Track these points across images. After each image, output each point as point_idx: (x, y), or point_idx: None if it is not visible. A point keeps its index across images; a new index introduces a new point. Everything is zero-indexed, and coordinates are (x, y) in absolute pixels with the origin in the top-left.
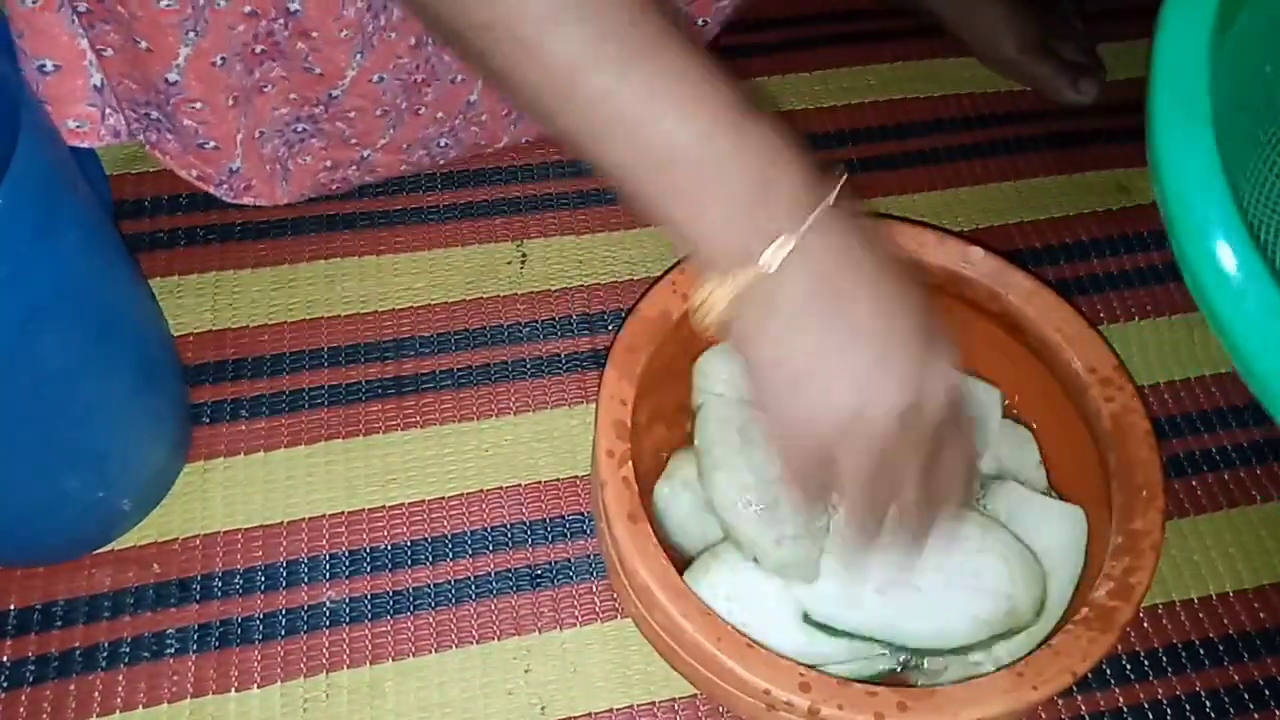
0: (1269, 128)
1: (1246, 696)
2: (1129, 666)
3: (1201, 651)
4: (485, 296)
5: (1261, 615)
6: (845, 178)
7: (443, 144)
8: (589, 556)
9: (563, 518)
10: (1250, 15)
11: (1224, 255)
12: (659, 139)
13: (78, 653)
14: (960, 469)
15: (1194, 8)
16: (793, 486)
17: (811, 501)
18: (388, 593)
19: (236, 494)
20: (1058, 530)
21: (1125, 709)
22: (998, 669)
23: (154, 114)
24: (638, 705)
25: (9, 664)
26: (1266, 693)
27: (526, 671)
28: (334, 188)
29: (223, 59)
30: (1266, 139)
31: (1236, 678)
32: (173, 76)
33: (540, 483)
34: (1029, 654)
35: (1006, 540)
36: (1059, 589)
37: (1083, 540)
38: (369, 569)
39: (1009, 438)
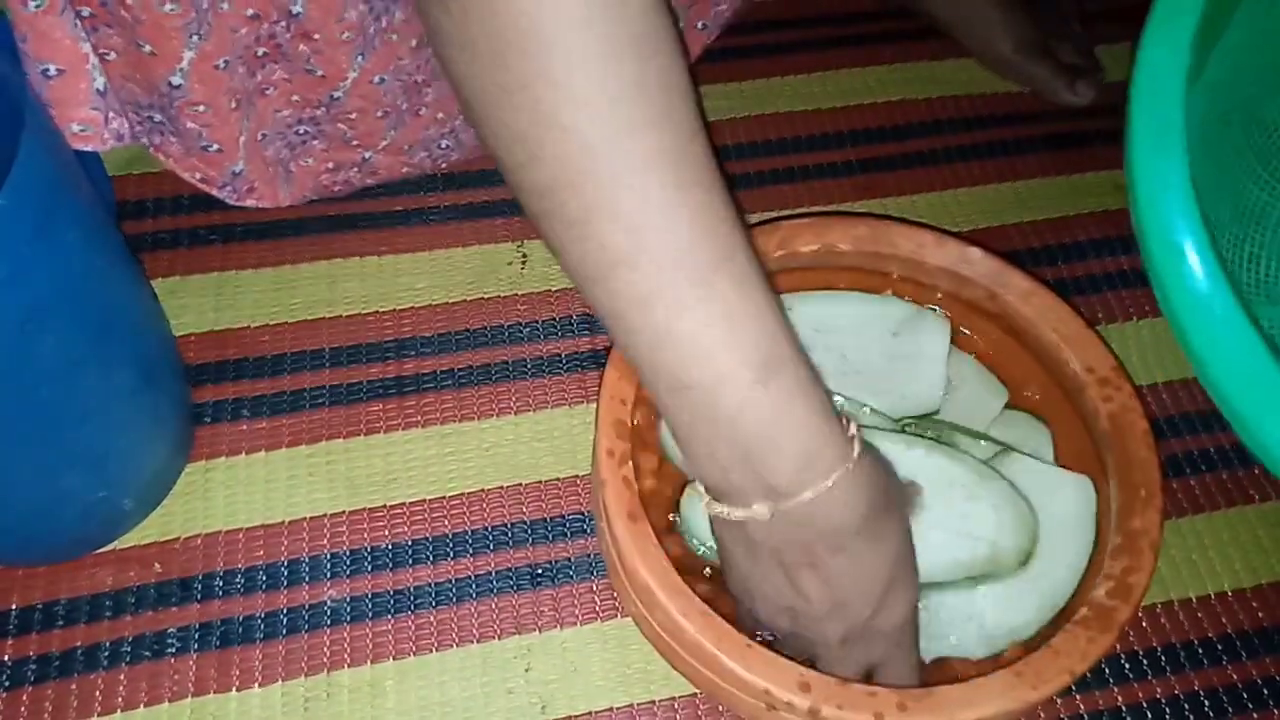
0: (1252, 138)
1: (1246, 696)
2: (1128, 666)
3: (1201, 651)
4: (486, 297)
5: (1261, 615)
6: (858, 436)
7: (444, 145)
8: (589, 556)
9: (563, 517)
10: (1234, 31)
11: (1191, 273)
12: (674, 365)
13: (79, 652)
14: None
15: (1174, 28)
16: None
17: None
18: (388, 592)
19: (238, 493)
20: (1069, 498)
21: (1124, 709)
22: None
23: (157, 117)
24: (638, 705)
25: (10, 663)
26: (1266, 693)
27: (527, 671)
28: (336, 189)
29: (225, 62)
30: (1249, 149)
31: (1236, 678)
32: (176, 79)
33: (540, 482)
34: (1017, 608)
35: (1002, 490)
36: (1075, 556)
37: (1093, 508)
38: (370, 568)
39: (1021, 426)
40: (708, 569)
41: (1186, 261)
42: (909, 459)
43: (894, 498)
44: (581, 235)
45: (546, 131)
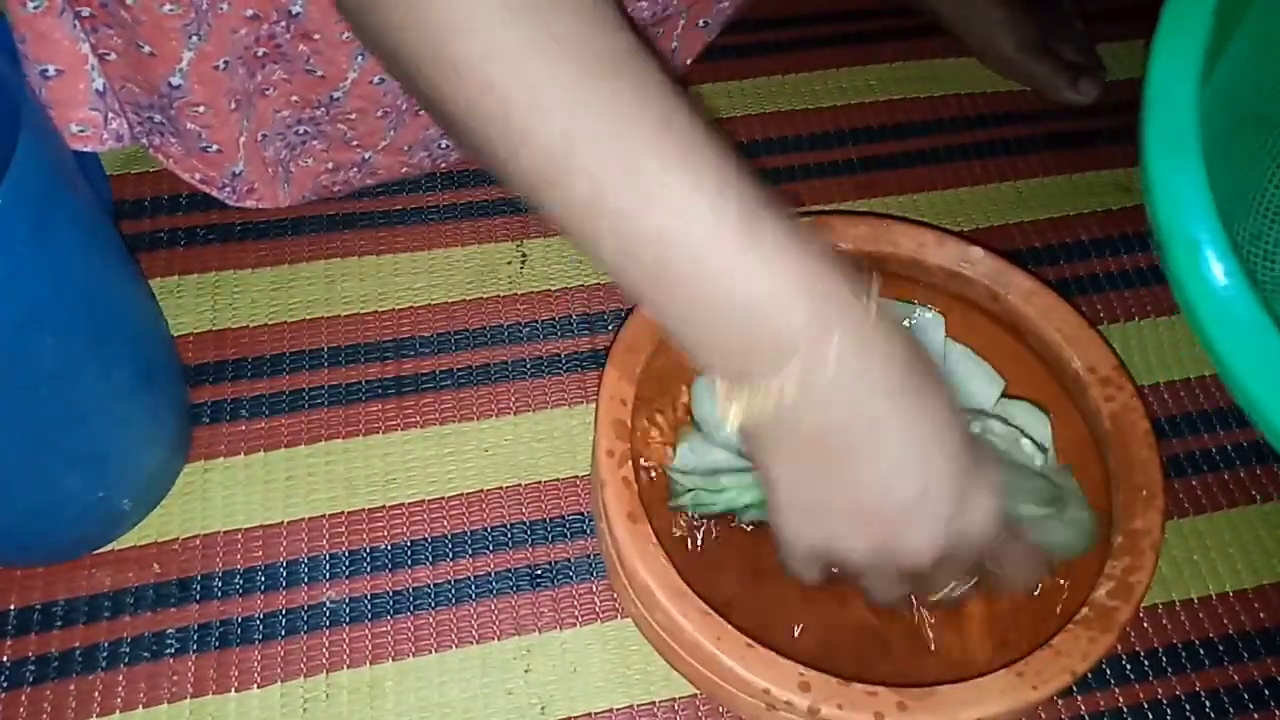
0: (1266, 141)
1: (1246, 696)
2: (1129, 666)
3: (1201, 651)
4: (485, 296)
5: (1261, 615)
6: (877, 284)
7: (443, 145)
8: (589, 556)
9: (563, 518)
10: (1245, 33)
11: (1212, 275)
12: (650, 234)
13: (78, 653)
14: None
15: (1186, 31)
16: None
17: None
18: (388, 593)
19: (236, 494)
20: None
21: (1125, 709)
22: None
23: (157, 117)
24: (638, 705)
25: (9, 664)
26: (1266, 693)
27: (526, 671)
28: (335, 190)
29: (225, 62)
30: (1266, 151)
31: (1236, 678)
32: (175, 80)
33: (540, 483)
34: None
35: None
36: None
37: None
38: (369, 569)
39: (1021, 414)
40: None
41: (1207, 263)
42: None
43: (930, 362)
44: (521, 143)
45: (456, 43)
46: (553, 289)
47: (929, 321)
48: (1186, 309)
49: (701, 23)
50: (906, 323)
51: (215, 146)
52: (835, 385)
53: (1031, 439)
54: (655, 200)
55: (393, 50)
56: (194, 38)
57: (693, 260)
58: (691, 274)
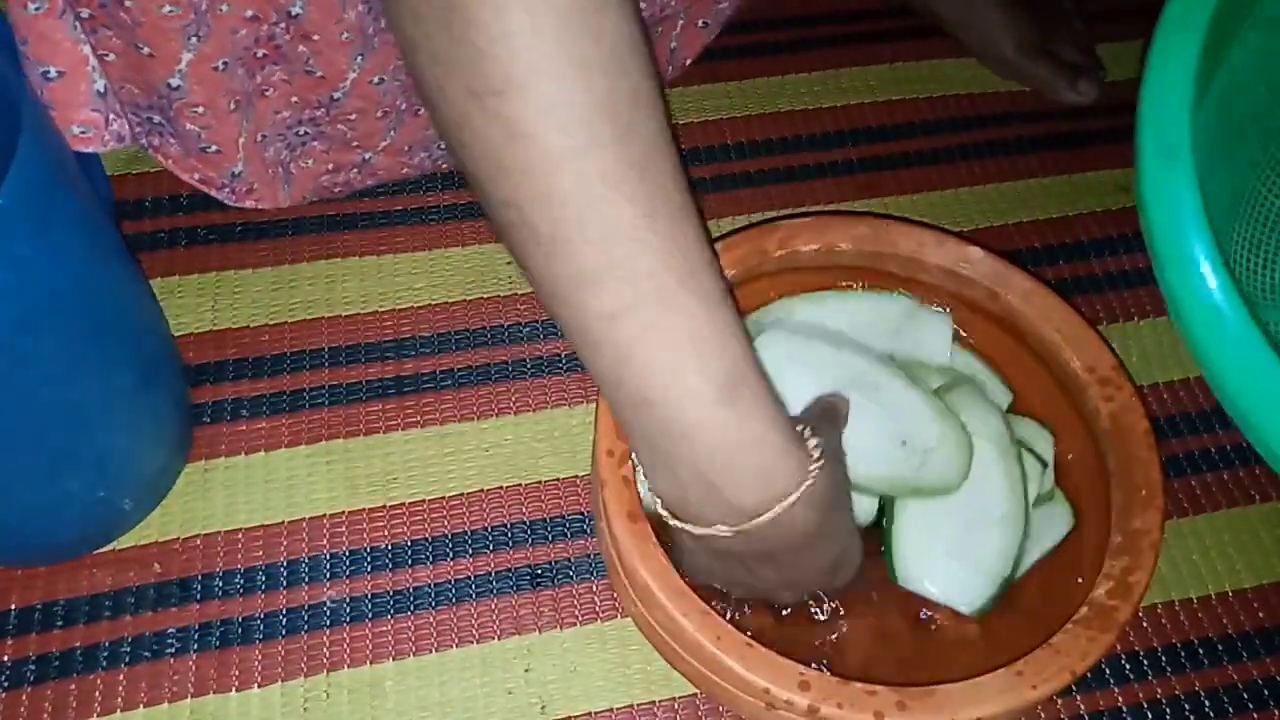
0: (1269, 150)
1: (1246, 696)
2: (1128, 666)
3: (1201, 651)
4: (485, 296)
5: (1261, 615)
6: (820, 446)
7: (443, 145)
8: (589, 556)
9: (563, 518)
10: (1243, 43)
11: (1205, 290)
12: (637, 381)
13: (78, 652)
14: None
15: (1181, 41)
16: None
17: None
18: (388, 592)
19: (237, 494)
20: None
21: (1125, 709)
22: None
23: (156, 118)
24: (638, 705)
25: (9, 664)
26: (1266, 693)
27: (526, 671)
28: (336, 191)
29: (224, 63)
30: (1266, 159)
31: (1236, 678)
32: (175, 81)
33: (540, 482)
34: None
35: (947, 413)
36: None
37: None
38: (369, 569)
39: (1026, 429)
40: None
41: (1202, 281)
42: (890, 389)
43: (848, 492)
44: (548, 251)
45: (513, 141)
46: None
47: (934, 322)
48: (1180, 325)
49: (701, 23)
50: (910, 322)
51: (214, 147)
52: (765, 534)
53: (1034, 453)
54: (657, 346)
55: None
56: (193, 39)
57: (673, 405)
58: (669, 418)
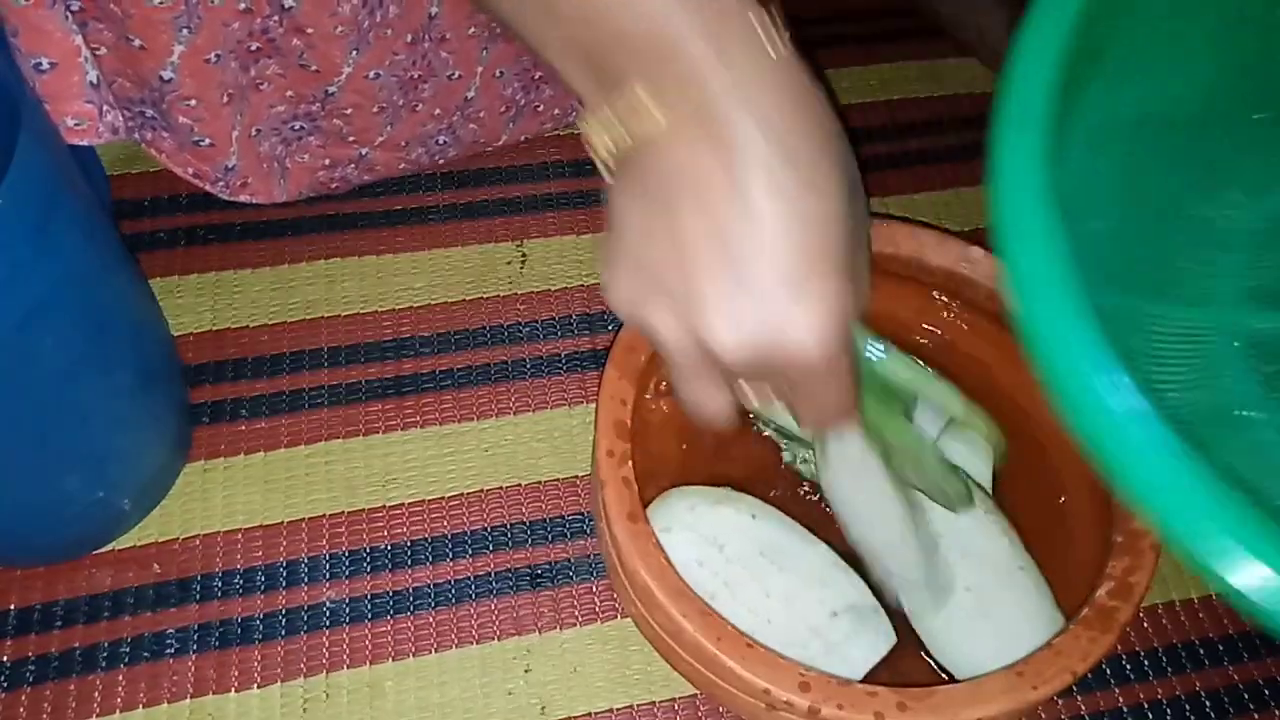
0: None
1: (1246, 696)
2: (1129, 666)
3: (1201, 651)
4: (485, 296)
5: None
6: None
7: (441, 141)
8: (589, 556)
9: (563, 518)
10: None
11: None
12: None
13: (78, 653)
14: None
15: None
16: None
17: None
18: (388, 593)
19: (236, 494)
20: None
21: (1125, 709)
22: None
23: (149, 112)
24: (638, 705)
25: (9, 664)
26: (1266, 693)
27: (526, 671)
28: (333, 186)
29: (217, 56)
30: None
31: (1236, 678)
32: (167, 74)
33: (540, 483)
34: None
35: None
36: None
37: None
38: (369, 569)
39: (961, 441)
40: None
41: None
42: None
43: (835, 130)
44: None
45: None
46: (553, 289)
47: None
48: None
49: None
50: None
51: (207, 140)
52: (711, 112)
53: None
54: None
55: None
56: (185, 30)
57: None
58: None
